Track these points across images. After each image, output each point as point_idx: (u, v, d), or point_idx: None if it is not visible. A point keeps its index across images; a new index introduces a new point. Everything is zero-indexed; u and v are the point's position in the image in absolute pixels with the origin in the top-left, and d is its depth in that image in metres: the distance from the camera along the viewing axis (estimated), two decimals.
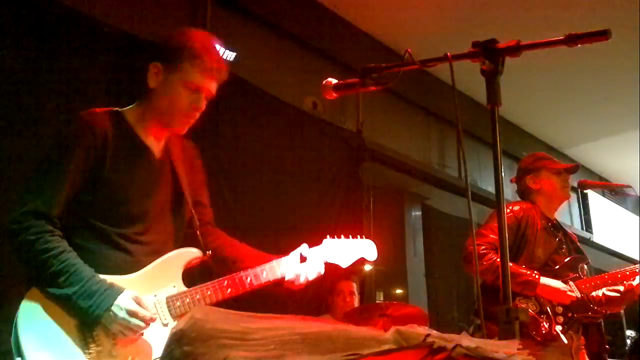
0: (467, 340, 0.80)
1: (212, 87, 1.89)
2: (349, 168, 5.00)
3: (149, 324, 1.69)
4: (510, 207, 3.05)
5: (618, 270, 3.04)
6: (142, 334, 1.69)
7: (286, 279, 1.94)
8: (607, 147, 7.95)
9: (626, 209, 9.48)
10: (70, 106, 3.33)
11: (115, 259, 1.77)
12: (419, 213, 6.35)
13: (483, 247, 2.87)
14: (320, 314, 4.00)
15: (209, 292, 1.82)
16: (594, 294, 2.94)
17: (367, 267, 4.87)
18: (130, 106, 1.95)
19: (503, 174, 1.43)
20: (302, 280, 1.96)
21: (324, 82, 1.75)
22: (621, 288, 2.99)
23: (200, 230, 2.00)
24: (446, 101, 5.92)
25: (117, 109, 1.92)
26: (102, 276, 1.70)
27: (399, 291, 6.04)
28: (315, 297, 4.08)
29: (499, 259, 2.59)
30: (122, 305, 1.64)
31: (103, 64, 3.48)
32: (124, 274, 1.77)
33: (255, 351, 0.66)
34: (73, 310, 1.63)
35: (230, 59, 4.25)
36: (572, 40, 1.38)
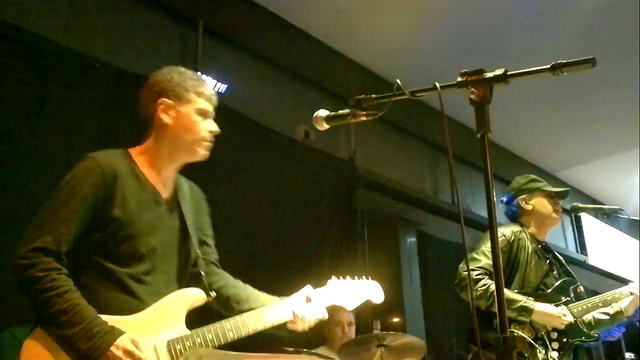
0: None
1: (213, 111, 2.03)
2: (342, 196, 5.00)
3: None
4: (502, 232, 3.05)
5: (608, 293, 3.05)
6: None
7: (290, 321, 1.96)
8: (597, 169, 8.03)
9: (620, 230, 9.51)
10: (62, 142, 3.35)
11: (119, 300, 1.77)
12: (413, 239, 6.33)
13: (477, 272, 2.86)
14: (317, 345, 3.95)
15: (210, 336, 1.81)
16: (584, 317, 2.94)
17: None
18: (137, 147, 1.99)
19: (495, 198, 1.43)
20: (305, 324, 1.98)
21: (314, 114, 1.76)
22: (611, 310, 2.99)
23: (204, 270, 2.01)
24: (438, 128, 5.95)
25: (125, 149, 1.97)
26: (104, 317, 1.70)
27: (396, 320, 5.99)
28: (312, 328, 4.03)
29: (493, 285, 2.58)
30: (120, 345, 1.65)
31: (95, 100, 3.50)
32: (128, 314, 1.77)
33: None
34: (73, 350, 1.63)
35: (222, 91, 4.30)
36: (557, 68, 1.40)
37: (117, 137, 3.58)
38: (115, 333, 1.66)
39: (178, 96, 1.94)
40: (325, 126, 1.77)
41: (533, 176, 3.31)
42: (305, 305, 1.98)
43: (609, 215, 3.48)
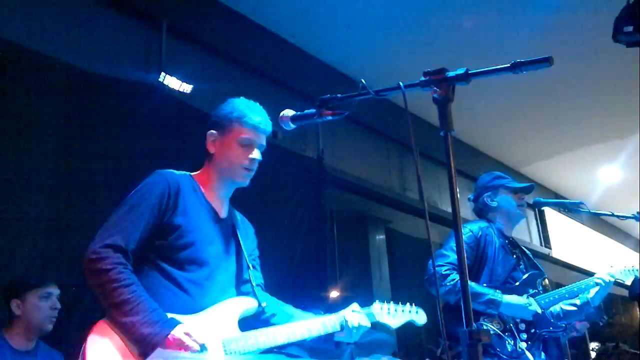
0: None
1: (262, 138, 2.18)
2: (311, 195, 5.01)
3: (202, 349, 1.79)
4: (469, 227, 3.11)
5: (574, 284, 3.13)
6: None
7: (337, 333, 2.10)
8: (559, 164, 8.23)
9: (582, 223, 9.77)
10: (23, 142, 3.27)
11: (178, 300, 1.91)
12: (382, 237, 6.39)
13: (445, 267, 2.91)
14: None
15: (262, 338, 1.95)
16: (552, 309, 3.02)
17: (333, 295, 4.86)
18: (197, 172, 2.20)
19: (460, 195, 1.46)
20: (352, 335, 2.11)
21: (281, 113, 1.78)
22: (578, 301, 3.08)
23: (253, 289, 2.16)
24: (404, 126, 6.01)
25: (188, 172, 2.17)
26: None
27: None
28: None
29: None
30: (176, 335, 1.77)
31: (57, 100, 3.43)
32: (185, 314, 1.90)
33: None
34: (134, 338, 1.76)
35: (187, 92, 4.25)
36: (517, 67, 1.44)
37: (79, 138, 3.53)
38: (175, 322, 1.80)
39: (222, 127, 2.13)
40: (292, 126, 1.78)
41: (498, 173, 3.38)
42: (352, 317, 2.11)
43: (570, 210, 3.58)
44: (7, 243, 3.11)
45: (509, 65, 1.44)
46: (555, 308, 3.06)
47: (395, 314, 2.25)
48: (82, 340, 1.79)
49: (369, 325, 2.15)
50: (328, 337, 2.10)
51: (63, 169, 3.41)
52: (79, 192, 3.41)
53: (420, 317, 2.32)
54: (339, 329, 2.08)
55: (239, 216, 2.28)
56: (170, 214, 1.96)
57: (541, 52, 1.50)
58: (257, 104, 2.23)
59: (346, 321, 2.09)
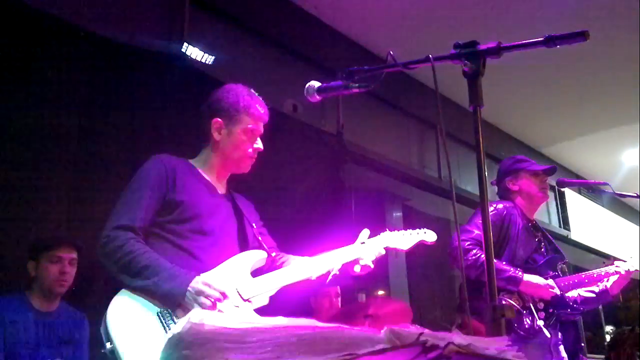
0: (459, 338, 0.81)
1: (262, 127, 2.24)
2: (330, 170, 5.00)
3: (222, 296, 1.87)
4: (494, 206, 3.09)
5: (594, 271, 3.11)
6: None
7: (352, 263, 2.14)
8: (582, 146, 8.10)
9: (602, 206, 9.66)
10: (48, 111, 3.30)
11: (189, 264, 1.97)
12: (399, 214, 6.37)
13: (468, 242, 2.92)
14: (305, 317, 3.99)
15: (277, 277, 2.03)
16: (569, 294, 3.01)
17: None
18: (195, 158, 2.25)
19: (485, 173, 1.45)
20: (367, 262, 2.16)
21: (307, 85, 1.76)
22: (596, 289, 3.07)
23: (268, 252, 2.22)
24: (425, 102, 5.96)
25: (184, 159, 2.23)
26: None
27: (381, 292, 6.06)
28: (299, 301, 4.08)
29: (483, 255, 2.65)
30: (194, 286, 1.84)
31: (80, 69, 3.44)
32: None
33: (253, 354, 0.66)
34: (157, 296, 1.84)
35: (209, 63, 4.24)
36: (551, 41, 1.41)
37: (102, 107, 3.55)
38: (193, 274, 1.88)
39: (229, 116, 2.16)
40: (317, 97, 1.77)
41: (519, 157, 3.35)
42: (363, 247, 2.19)
43: (593, 190, 3.54)
44: (34, 210, 3.17)
45: (542, 39, 1.41)
46: (574, 293, 3.05)
47: (404, 238, 2.32)
48: (106, 301, 1.85)
49: (382, 251, 2.21)
50: (345, 274, 2.15)
51: (84, 138, 3.45)
52: (100, 161, 3.44)
53: (429, 235, 2.39)
54: (352, 258, 2.14)
55: (236, 195, 2.34)
56: (171, 192, 2.04)
57: (570, 29, 1.46)
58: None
59: (359, 250, 2.16)
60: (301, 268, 2.10)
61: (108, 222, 1.97)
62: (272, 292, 2.02)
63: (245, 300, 1.95)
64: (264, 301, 1.99)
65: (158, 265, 1.88)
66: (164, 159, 2.12)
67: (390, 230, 2.32)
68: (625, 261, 3.11)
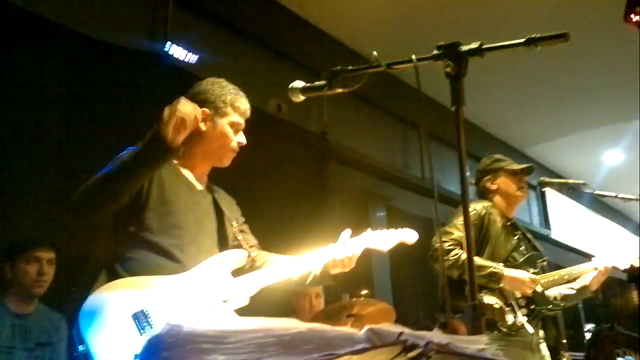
0: (438, 337, 0.81)
1: (244, 124, 2.22)
2: (314, 170, 5.01)
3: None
4: (473, 206, 3.13)
5: (573, 267, 3.15)
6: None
7: (331, 265, 2.11)
8: (564, 146, 8.20)
9: (582, 205, 9.79)
10: (27, 110, 3.26)
11: (166, 265, 1.93)
12: (383, 214, 6.40)
13: (449, 243, 2.95)
14: (285, 317, 3.99)
15: (259, 277, 2.01)
16: (550, 292, 3.06)
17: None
18: None
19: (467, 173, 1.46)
20: (345, 264, 2.12)
21: (290, 84, 1.76)
22: (576, 285, 3.12)
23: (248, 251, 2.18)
24: (409, 103, 5.99)
25: None
26: (152, 277, 1.88)
27: (364, 292, 6.07)
28: (279, 301, 4.07)
29: (464, 254, 2.69)
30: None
31: (62, 67, 3.40)
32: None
33: (232, 354, 0.65)
34: (144, 160, 1.84)
35: (193, 62, 4.22)
36: (532, 42, 1.43)
37: (83, 106, 3.51)
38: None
39: (216, 108, 2.14)
40: (301, 97, 1.77)
41: (497, 156, 3.39)
42: (342, 247, 2.13)
43: (574, 189, 3.59)
44: (12, 210, 3.12)
45: (523, 40, 1.43)
46: (554, 292, 3.10)
47: (384, 238, 2.26)
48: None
49: (359, 252, 2.16)
50: (324, 275, 2.12)
51: (65, 137, 3.41)
52: (82, 160, 3.41)
53: (410, 235, 2.31)
54: (332, 259, 2.10)
55: (217, 190, 2.30)
56: (147, 185, 1.99)
57: (550, 31, 1.48)
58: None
59: (338, 251, 2.11)
60: (281, 268, 2.07)
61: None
62: (252, 293, 2.00)
63: (225, 301, 1.93)
64: (245, 302, 1.97)
65: (129, 151, 1.87)
66: None
67: (373, 230, 2.28)
68: (604, 257, 3.16)
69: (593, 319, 8.52)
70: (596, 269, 3.11)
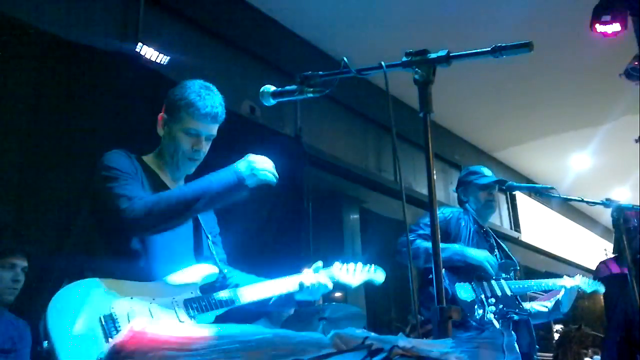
0: (403, 341, 0.83)
1: (211, 128, 2.12)
2: (288, 173, 4.99)
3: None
4: (441, 210, 3.22)
5: (543, 281, 3.32)
6: None
7: (297, 293, 2.11)
8: (532, 150, 8.35)
9: (551, 209, 9.97)
10: None
11: (139, 271, 1.91)
12: (357, 216, 6.43)
13: (411, 236, 3.04)
14: (255, 320, 3.97)
15: (225, 297, 1.97)
16: (524, 306, 3.17)
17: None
18: (150, 154, 2.16)
19: (436, 176, 1.48)
20: (313, 294, 2.14)
21: (261, 89, 1.76)
22: (550, 304, 3.28)
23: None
24: (382, 106, 6.04)
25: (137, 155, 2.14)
26: (127, 282, 1.85)
27: (337, 294, 6.09)
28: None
29: (422, 243, 2.80)
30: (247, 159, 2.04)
31: (30, 67, 3.34)
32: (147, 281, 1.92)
33: None
34: (219, 192, 1.93)
35: (164, 63, 4.18)
36: (497, 51, 1.46)
37: (51, 107, 3.45)
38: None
39: (171, 113, 2.08)
40: (272, 102, 1.77)
41: (472, 169, 3.54)
42: (312, 277, 2.14)
43: (541, 194, 3.70)
44: None
45: (489, 49, 1.46)
46: (528, 306, 3.26)
47: (355, 273, 2.28)
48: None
49: (329, 284, 2.17)
50: (289, 298, 2.11)
51: (33, 138, 3.35)
52: (50, 163, 3.35)
53: (378, 275, 2.38)
54: (298, 289, 2.10)
55: None
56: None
57: (519, 39, 1.52)
58: (213, 88, 2.16)
59: (306, 281, 2.11)
60: (246, 294, 2.03)
61: (114, 214, 1.84)
62: (219, 313, 1.97)
63: (191, 318, 1.90)
64: (210, 319, 1.94)
65: (198, 181, 1.90)
66: (127, 153, 2.04)
67: (342, 263, 2.29)
68: (572, 278, 3.37)
69: (561, 320, 8.69)
70: (562, 286, 3.30)
